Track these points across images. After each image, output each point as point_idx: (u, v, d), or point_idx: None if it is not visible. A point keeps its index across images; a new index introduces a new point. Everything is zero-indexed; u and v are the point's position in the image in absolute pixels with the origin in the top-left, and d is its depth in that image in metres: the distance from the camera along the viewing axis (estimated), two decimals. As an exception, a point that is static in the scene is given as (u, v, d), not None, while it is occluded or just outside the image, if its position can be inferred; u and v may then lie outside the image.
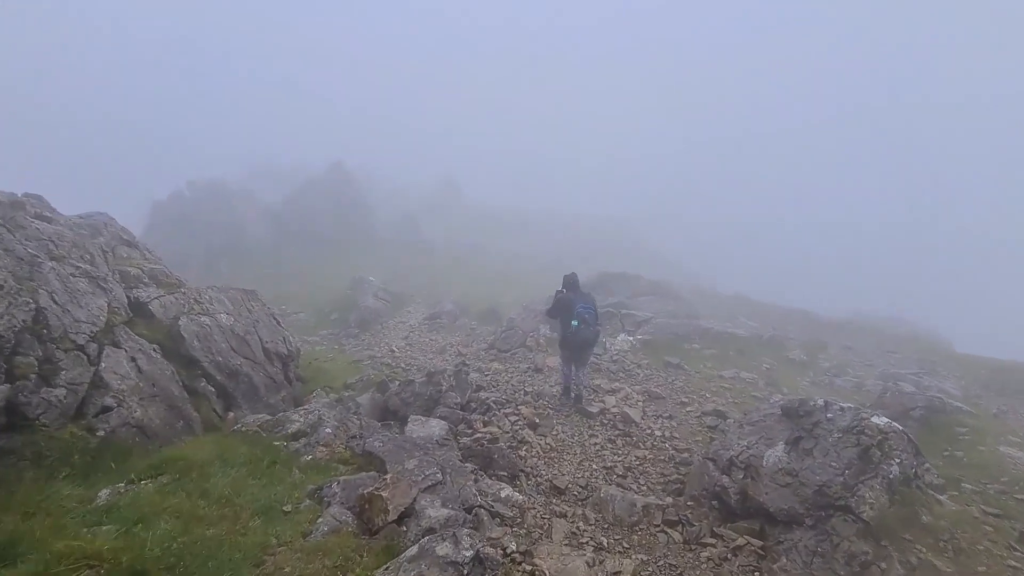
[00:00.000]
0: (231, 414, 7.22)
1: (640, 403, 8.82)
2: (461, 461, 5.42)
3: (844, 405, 4.40)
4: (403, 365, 12.97)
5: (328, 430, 6.61)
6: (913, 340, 19.57)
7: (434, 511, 3.71)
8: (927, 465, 4.23)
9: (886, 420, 4.16)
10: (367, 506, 3.48)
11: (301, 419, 7.46)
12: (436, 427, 7.11)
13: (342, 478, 3.98)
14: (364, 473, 4.24)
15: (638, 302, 16.51)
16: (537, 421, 7.67)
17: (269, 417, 6.96)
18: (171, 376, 6.28)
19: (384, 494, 3.46)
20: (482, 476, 5.36)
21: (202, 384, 6.93)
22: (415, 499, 3.77)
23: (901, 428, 4.14)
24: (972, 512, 4.73)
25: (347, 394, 10.22)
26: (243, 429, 6.59)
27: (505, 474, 5.56)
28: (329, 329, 18.74)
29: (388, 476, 3.74)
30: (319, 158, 39.28)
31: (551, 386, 9.77)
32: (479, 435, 7.20)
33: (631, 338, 12.50)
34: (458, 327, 17.46)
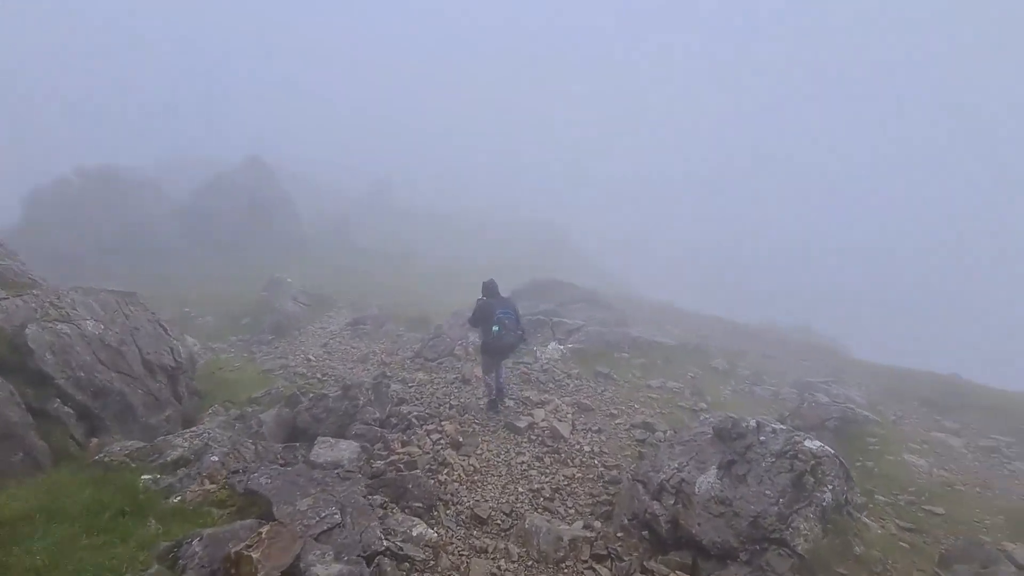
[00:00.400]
0: (94, 440, 6.07)
1: (570, 416, 8.50)
2: (369, 494, 4.75)
3: (776, 427, 4.23)
4: (319, 376, 11.95)
5: (215, 458, 5.70)
6: (820, 348, 20.93)
7: (323, 568, 3.06)
8: (856, 488, 4.14)
9: (819, 444, 4.02)
10: (232, 571, 2.77)
11: (186, 444, 6.46)
12: (347, 450, 6.37)
13: (208, 531, 3.21)
14: (240, 521, 3.49)
15: (570, 310, 16.39)
16: (461, 440, 7.10)
17: (142, 444, 5.91)
18: (9, 398, 5.11)
19: (255, 555, 2.77)
20: (393, 511, 4.73)
21: (55, 405, 5.76)
22: (300, 553, 3.10)
23: (833, 452, 4.02)
24: (890, 529, 4.73)
25: (250, 410, 9.16)
26: (106, 459, 5.53)
27: (420, 505, 4.95)
28: (239, 335, 17.12)
29: (265, 528, 3.03)
30: (231, 150, 36.48)
31: (478, 398, 9.25)
32: (396, 457, 6.53)
33: (562, 347, 12.25)
34: (384, 334, 16.50)
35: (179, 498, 4.16)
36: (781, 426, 4.30)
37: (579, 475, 6.64)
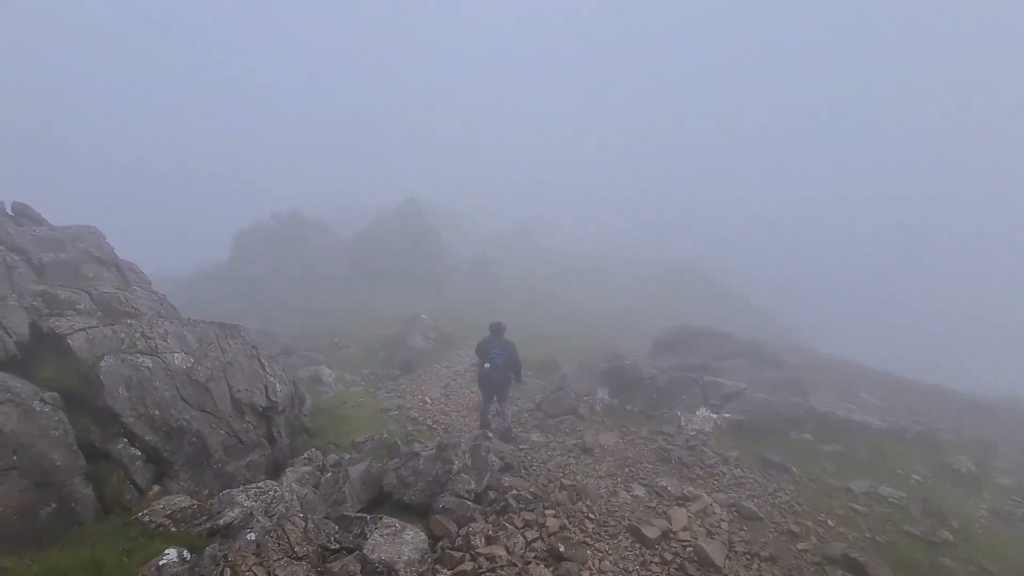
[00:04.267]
0: (156, 488, 5.50)
1: (724, 526, 6.03)
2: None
3: None
4: (429, 422, 10.95)
5: (251, 535, 4.64)
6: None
7: None
8: None
9: None
10: None
11: (248, 503, 5.62)
12: (409, 545, 4.89)
13: None
14: None
15: (726, 366, 13.40)
16: (562, 549, 5.17)
17: (191, 503, 5.12)
18: (60, 438, 4.67)
19: None
20: None
21: (120, 446, 5.30)
22: None
23: None
24: None
25: (348, 457, 8.37)
26: (146, 518, 4.80)
27: None
28: (372, 368, 17.29)
29: None
30: (395, 193, 39.92)
31: (599, 478, 7.26)
32: (470, 565, 4.87)
33: (715, 416, 9.59)
34: (507, 378, 15.25)
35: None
36: None
37: (739, 644, 4.26)
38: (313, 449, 8.29)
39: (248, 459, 6.76)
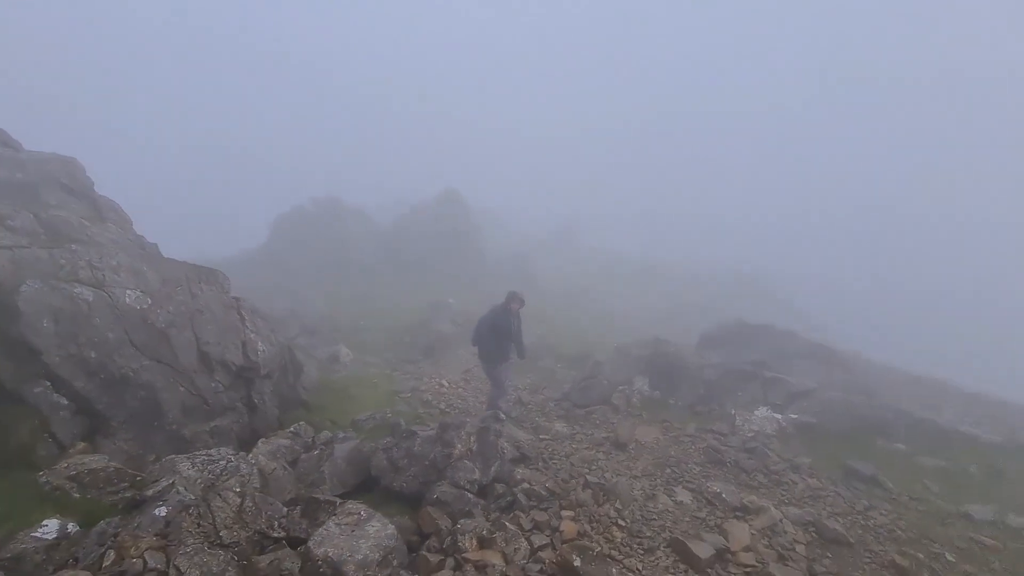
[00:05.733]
0: (82, 444, 4.48)
1: (800, 549, 4.50)
2: None
3: None
4: (442, 406, 9.77)
5: (162, 511, 3.53)
6: None
7: None
8: None
9: None
10: None
11: (192, 472, 4.55)
12: (368, 542, 3.65)
13: None
14: None
15: (789, 365, 11.57)
16: (577, 563, 3.79)
17: (105, 465, 4.06)
18: (-52, 370, 3.72)
19: None
20: None
21: (40, 390, 4.32)
22: None
23: None
24: None
25: (341, 435, 7.25)
26: (42, 478, 3.76)
27: None
28: (395, 352, 16.31)
29: None
30: (434, 184, 39.24)
31: (634, 477, 5.84)
32: (446, 574, 3.58)
33: (779, 416, 7.94)
34: (536, 368, 13.90)
35: None
36: None
37: None
38: (302, 423, 7.20)
39: (213, 424, 5.73)
